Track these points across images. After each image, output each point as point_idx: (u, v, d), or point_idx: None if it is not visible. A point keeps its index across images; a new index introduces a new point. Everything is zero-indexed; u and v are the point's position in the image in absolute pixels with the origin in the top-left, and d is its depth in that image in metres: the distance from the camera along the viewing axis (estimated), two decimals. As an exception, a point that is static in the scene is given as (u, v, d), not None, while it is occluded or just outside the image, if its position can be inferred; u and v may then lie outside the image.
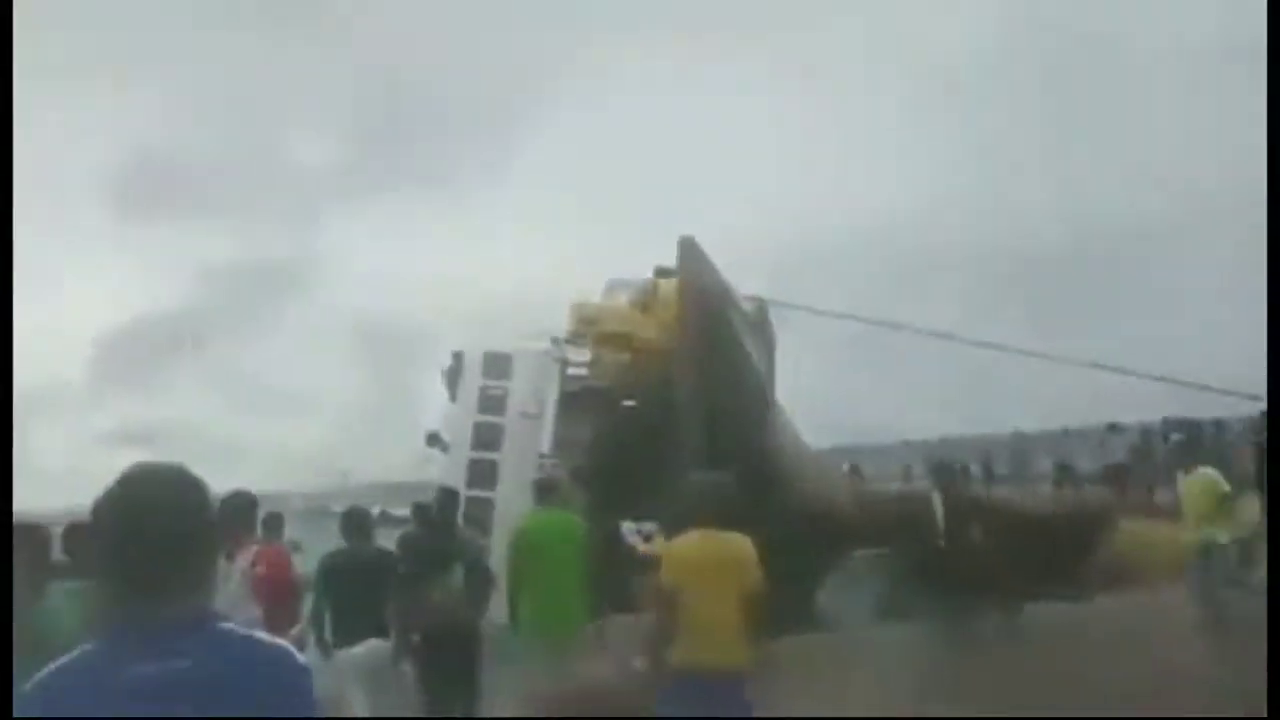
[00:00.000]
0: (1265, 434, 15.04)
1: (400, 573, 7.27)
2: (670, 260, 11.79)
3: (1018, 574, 9.87)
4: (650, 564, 8.64)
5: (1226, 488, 9.26)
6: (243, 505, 5.82)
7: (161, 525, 1.68)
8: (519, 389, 12.23)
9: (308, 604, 6.58)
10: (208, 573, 1.85)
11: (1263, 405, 13.30)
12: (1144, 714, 6.58)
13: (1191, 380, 10.68)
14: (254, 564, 5.69)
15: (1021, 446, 25.71)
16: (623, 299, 13.09)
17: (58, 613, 6.55)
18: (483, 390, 12.29)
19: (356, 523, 6.95)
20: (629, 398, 12.87)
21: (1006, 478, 24.82)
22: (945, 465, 11.53)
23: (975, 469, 26.84)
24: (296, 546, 7.85)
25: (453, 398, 12.62)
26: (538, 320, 13.53)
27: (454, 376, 12.60)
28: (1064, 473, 20.47)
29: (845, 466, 23.96)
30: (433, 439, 12.62)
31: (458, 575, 6.86)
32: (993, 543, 9.67)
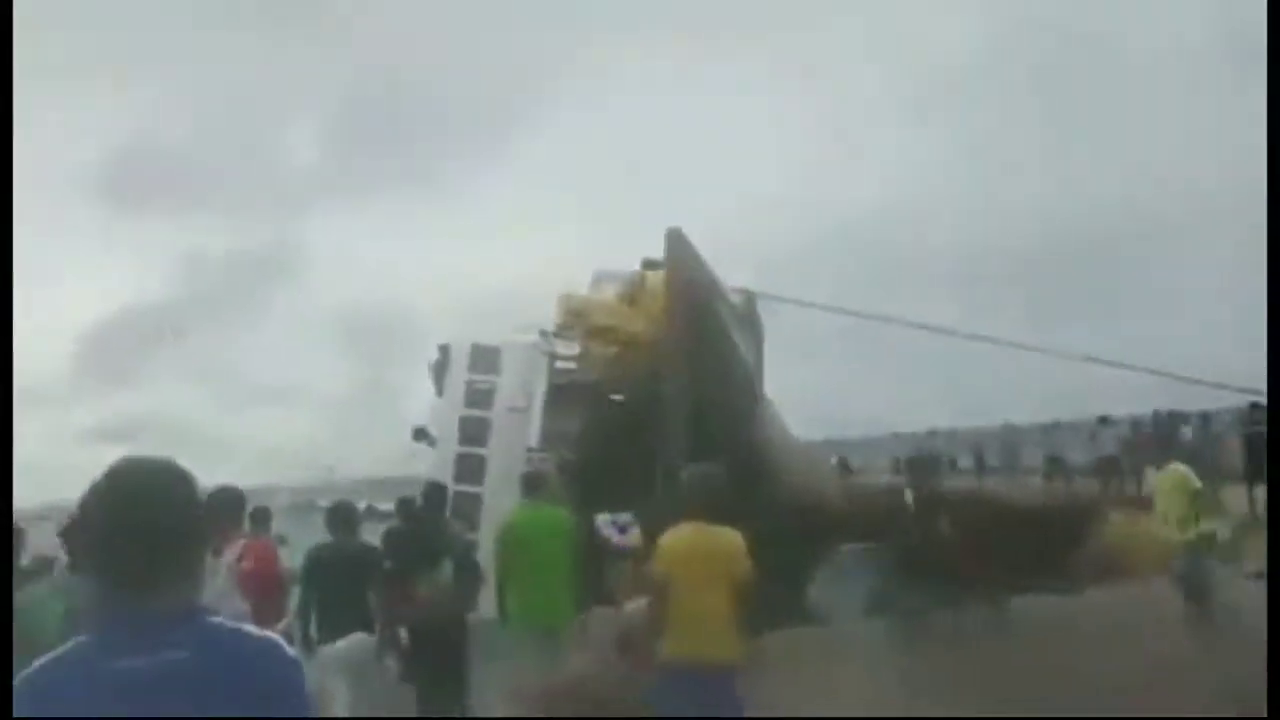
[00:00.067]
0: (1254, 426, 15.21)
1: (387, 567, 7.27)
2: (658, 253, 11.77)
3: (1000, 567, 9.92)
4: (626, 555, 8.69)
5: (1198, 484, 9.28)
6: (229, 500, 5.79)
7: (150, 519, 1.68)
8: (506, 383, 12.18)
9: (294, 598, 6.56)
10: (197, 566, 1.85)
11: (1251, 398, 13.42)
12: (1134, 706, 6.62)
13: (1183, 372, 10.72)
14: (241, 559, 5.67)
15: (1012, 439, 25.79)
16: (610, 291, 13.05)
17: (38, 610, 6.53)
18: (470, 384, 12.23)
19: (343, 517, 6.95)
20: (617, 391, 12.85)
21: (998, 470, 24.96)
22: (917, 459, 11.75)
23: (967, 461, 27.08)
24: (283, 541, 7.83)
25: (439, 392, 12.56)
26: (525, 313, 13.49)
27: (440, 370, 12.55)
28: (1054, 465, 20.61)
29: (834, 459, 24.06)
30: (419, 433, 12.56)
31: (446, 570, 6.86)
32: (969, 536, 9.76)
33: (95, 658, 1.63)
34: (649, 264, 12.23)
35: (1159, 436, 13.61)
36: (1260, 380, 8.02)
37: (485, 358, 12.32)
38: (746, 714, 4.94)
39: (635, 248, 12.73)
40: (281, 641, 1.83)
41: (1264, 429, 14.96)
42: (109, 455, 1.77)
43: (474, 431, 11.93)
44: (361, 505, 9.03)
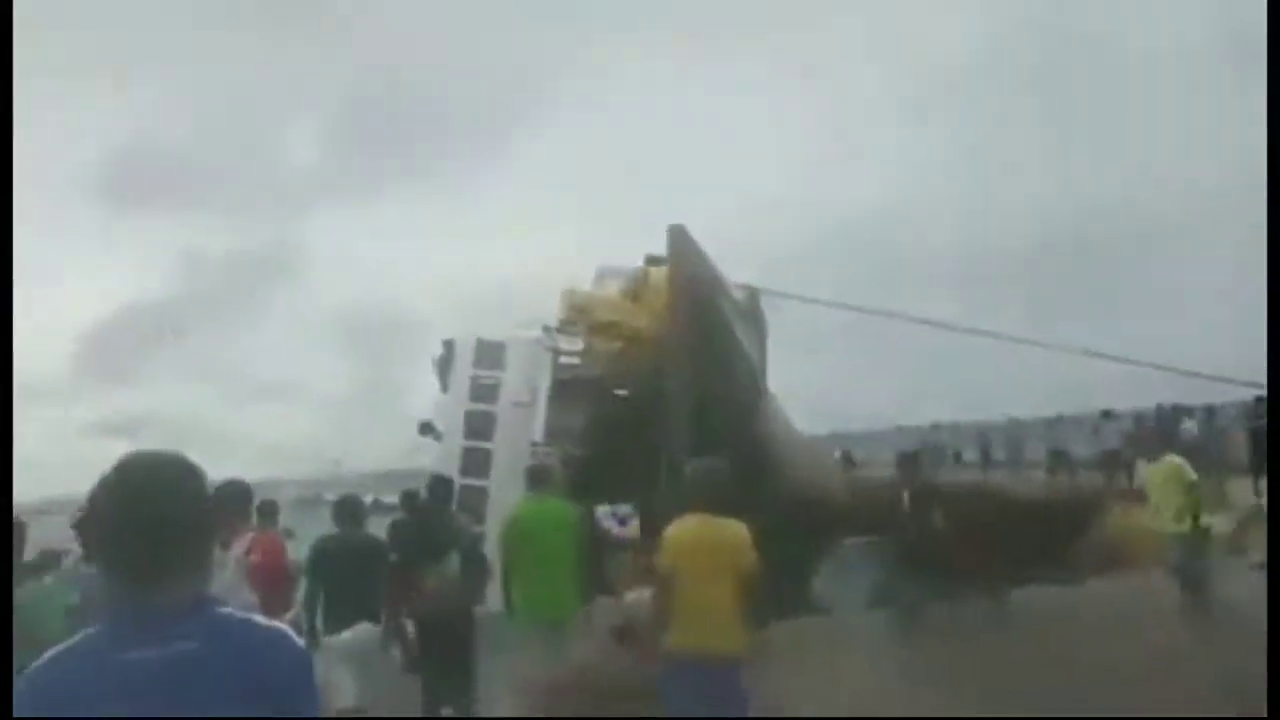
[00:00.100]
0: (1259, 420, 15.20)
1: (393, 559, 7.32)
2: (661, 250, 11.77)
3: (999, 558, 9.97)
4: (626, 547, 8.74)
5: (1194, 476, 9.28)
6: (237, 493, 5.84)
7: (159, 511, 1.70)
8: (511, 378, 12.23)
9: (301, 590, 6.62)
10: (206, 558, 1.88)
11: (1256, 392, 13.40)
12: (1133, 696, 6.64)
13: (1185, 367, 10.71)
14: (249, 552, 5.71)
15: (1015, 433, 25.76)
16: (613, 287, 13.06)
17: (42, 605, 6.58)
18: (474, 379, 12.28)
19: (349, 509, 7.02)
20: (621, 386, 12.87)
21: (1002, 463, 24.96)
22: (907, 455, 11.87)
23: (971, 455, 27.08)
24: (290, 534, 7.88)
25: (444, 387, 12.61)
26: (529, 309, 13.53)
27: (445, 365, 12.59)
28: (1058, 459, 20.59)
29: (837, 453, 24.07)
30: (425, 428, 12.62)
31: (453, 562, 6.90)
32: (964, 529, 9.83)
33: (105, 649, 1.65)
34: (652, 260, 12.23)
35: (1160, 430, 13.58)
36: (1263, 374, 8.02)
37: (490, 353, 12.37)
38: (751, 705, 4.97)
39: (638, 244, 12.75)
40: (290, 632, 1.85)
41: (1266, 422, 14.99)
42: (112, 451, 1.81)
43: (479, 426, 11.99)
44: (368, 499, 9.08)
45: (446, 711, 6.94)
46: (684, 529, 5.08)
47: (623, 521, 8.72)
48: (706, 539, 5.00)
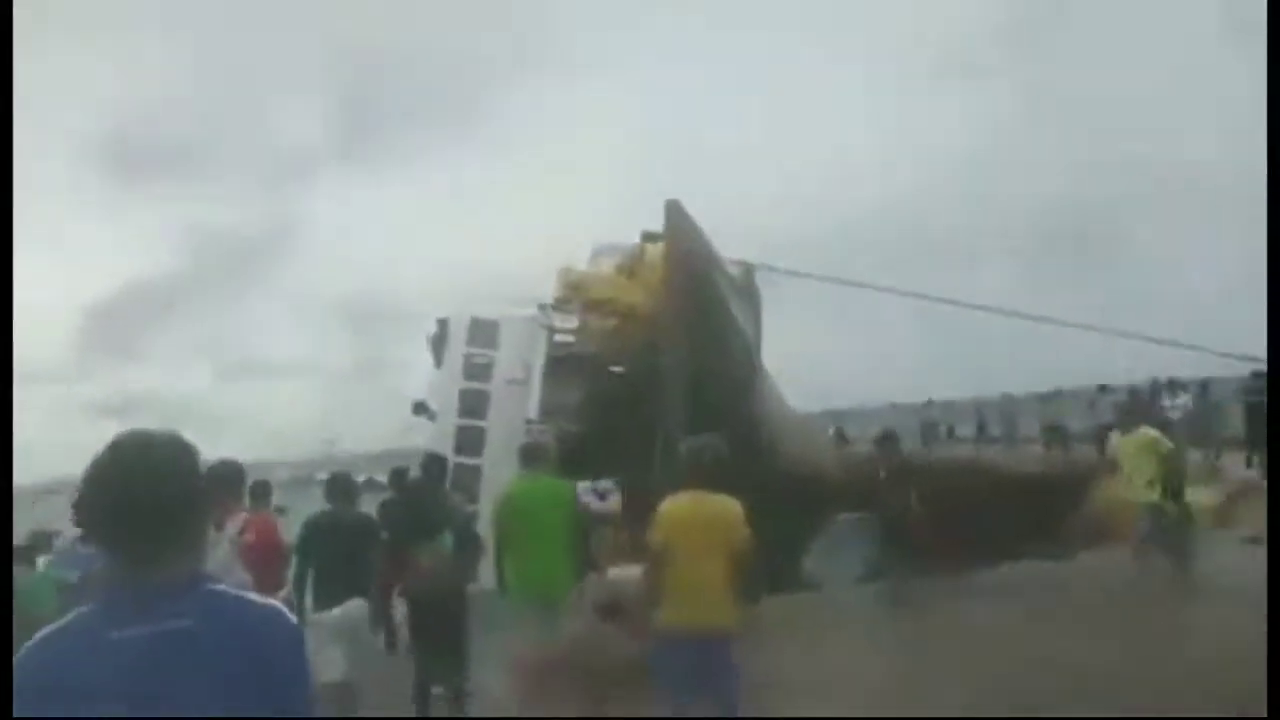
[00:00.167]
0: (1254, 395, 15.27)
1: (385, 537, 7.34)
2: (657, 226, 11.74)
3: (977, 535, 10.08)
4: (608, 521, 8.78)
5: (1169, 446, 9.28)
6: (230, 474, 5.83)
7: (154, 490, 1.70)
8: (505, 356, 12.20)
9: (292, 566, 6.63)
10: (200, 536, 1.88)
11: (1252, 366, 13.46)
12: (1123, 670, 6.69)
13: (1182, 341, 10.74)
14: (242, 532, 5.71)
15: (1011, 408, 25.86)
16: (609, 264, 13.04)
17: (36, 589, 6.60)
18: (468, 357, 12.26)
19: (341, 487, 7.04)
20: (616, 363, 12.87)
21: (999, 439, 25.08)
22: (884, 434, 12.02)
23: (966, 430, 27.18)
24: (282, 511, 7.89)
25: (438, 365, 12.59)
26: (523, 287, 13.51)
27: (439, 344, 12.56)
28: (1053, 433, 20.64)
29: (831, 430, 24.13)
30: (419, 407, 12.60)
31: (447, 541, 6.91)
32: (941, 506, 9.96)
33: (98, 627, 1.66)
34: (648, 236, 12.21)
35: (1135, 404, 13.59)
36: (1261, 349, 8.02)
37: (484, 331, 12.34)
38: (741, 679, 5.00)
39: (634, 222, 12.71)
40: (284, 609, 1.86)
41: (1264, 398, 15.07)
42: (110, 431, 1.80)
43: (473, 404, 11.98)
44: (361, 478, 9.10)
45: (438, 690, 6.98)
46: (677, 505, 5.08)
47: (602, 496, 8.76)
48: (700, 515, 5.01)
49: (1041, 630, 7.94)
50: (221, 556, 4.60)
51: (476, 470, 11.22)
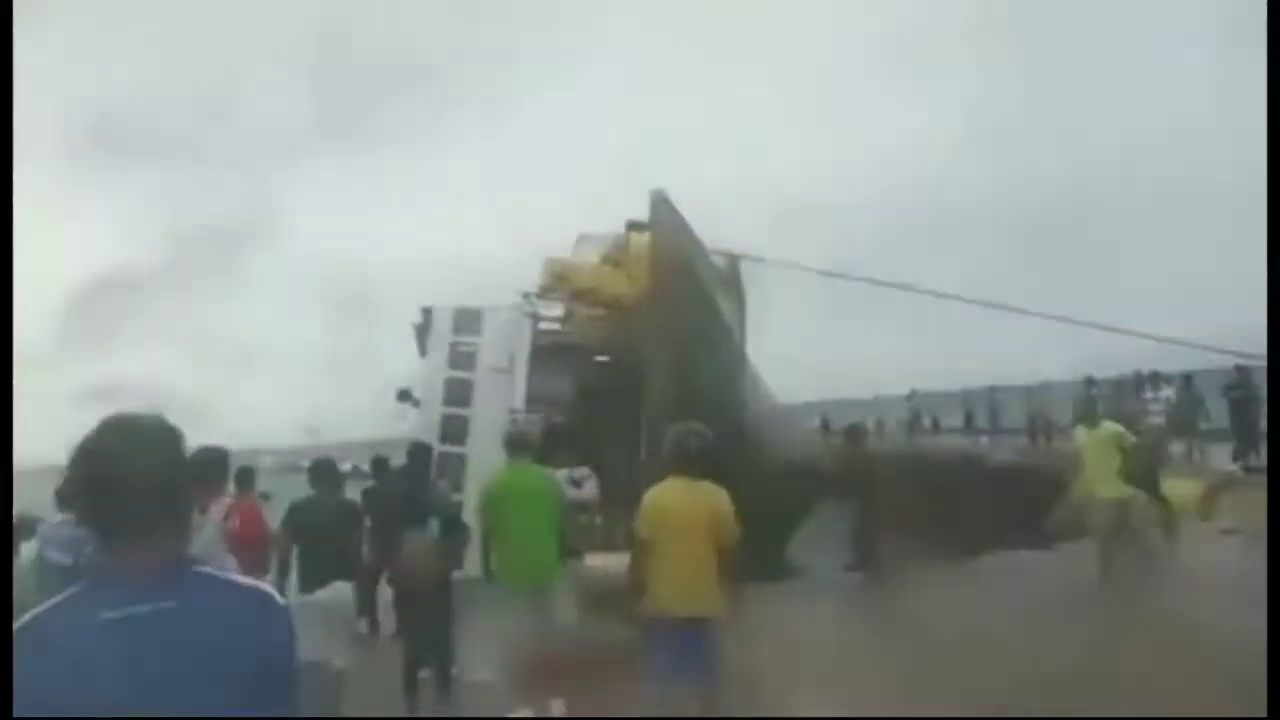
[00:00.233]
0: (1237, 390, 15.42)
1: (370, 524, 7.35)
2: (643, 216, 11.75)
3: (935, 525, 10.20)
4: (585, 509, 8.82)
5: (1132, 439, 9.35)
6: (215, 460, 5.80)
7: (141, 471, 1.70)
8: (490, 344, 12.21)
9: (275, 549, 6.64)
10: (186, 518, 1.88)
11: (1235, 360, 13.57)
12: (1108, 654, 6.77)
13: (1168, 334, 10.79)
14: (227, 518, 5.70)
15: (997, 401, 25.98)
16: (593, 254, 13.05)
17: (22, 579, 6.56)
18: (453, 346, 12.27)
19: (325, 472, 7.06)
20: (601, 352, 12.89)
21: (985, 430, 25.24)
22: (851, 427, 12.34)
23: (953, 421, 27.34)
24: (266, 497, 7.88)
25: (423, 354, 12.59)
26: (511, 276, 13.48)
27: (424, 332, 12.57)
28: (1037, 425, 20.81)
29: (817, 420, 24.22)
30: (404, 395, 12.61)
31: (433, 528, 6.92)
32: (904, 497, 10.11)
33: (88, 607, 1.66)
34: (633, 226, 12.22)
35: (1090, 397, 13.69)
36: (1244, 343, 8.08)
37: (468, 320, 12.35)
38: (721, 657, 5.06)
39: (619, 211, 12.71)
40: (272, 591, 1.87)
41: (1245, 392, 15.21)
42: (92, 417, 1.80)
43: (458, 393, 11.99)
44: (346, 466, 9.10)
45: (425, 674, 7.00)
46: (664, 493, 5.10)
47: (578, 484, 8.78)
48: (686, 503, 5.03)
49: (1009, 620, 8.04)
50: (207, 541, 4.58)
51: (461, 458, 11.23)
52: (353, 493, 8.67)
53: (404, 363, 13.52)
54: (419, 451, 7.97)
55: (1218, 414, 16.74)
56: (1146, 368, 18.32)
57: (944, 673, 6.71)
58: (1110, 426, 9.38)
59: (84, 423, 1.78)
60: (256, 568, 5.82)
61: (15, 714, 1.58)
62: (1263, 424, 15.11)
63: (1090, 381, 19.60)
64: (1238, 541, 9.70)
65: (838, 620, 9.02)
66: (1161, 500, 10.51)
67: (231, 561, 4.81)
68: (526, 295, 12.55)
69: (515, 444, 7.00)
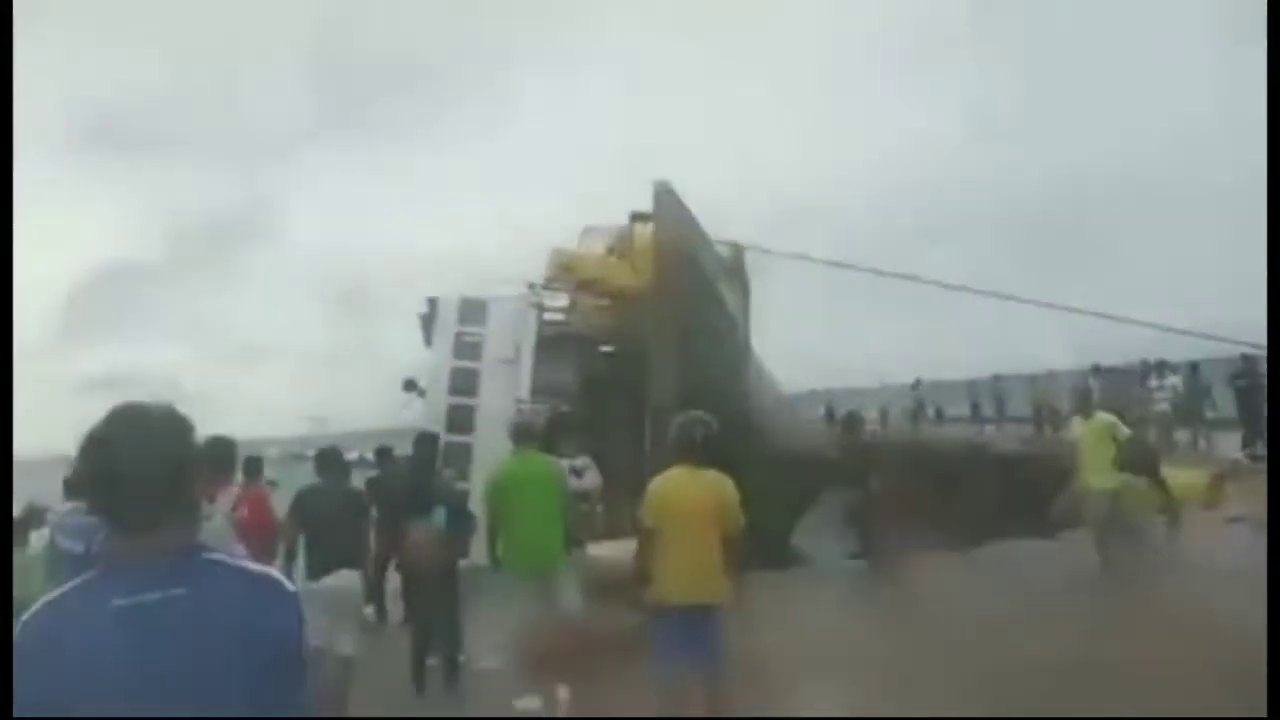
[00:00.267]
0: (1244, 379, 15.39)
1: (376, 516, 7.38)
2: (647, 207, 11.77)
3: (953, 513, 10.22)
4: (586, 498, 8.86)
5: (1127, 432, 9.33)
6: (222, 449, 5.84)
7: (152, 458, 1.72)
8: (495, 335, 12.23)
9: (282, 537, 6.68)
10: (196, 506, 1.90)
11: (1240, 349, 13.57)
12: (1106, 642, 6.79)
13: (1174, 323, 10.78)
14: (235, 507, 5.73)
15: (1001, 389, 25.90)
16: (599, 245, 13.08)
17: (27, 571, 6.61)
18: (459, 336, 12.29)
19: (331, 460, 7.12)
20: (606, 343, 12.93)
21: (990, 419, 25.17)
22: (847, 416, 12.27)
23: (957, 410, 27.28)
24: (273, 484, 7.93)
25: (428, 344, 12.62)
26: (516, 266, 13.52)
27: (430, 323, 12.60)
28: (1043, 414, 20.72)
29: (821, 410, 24.22)
30: (410, 385, 12.65)
31: (440, 516, 6.97)
32: (900, 487, 10.20)
33: (99, 594, 1.67)
34: (637, 217, 12.24)
35: (1085, 387, 13.64)
36: (1250, 332, 8.07)
37: (473, 310, 12.37)
38: (730, 641, 5.09)
39: (624, 203, 12.74)
40: (281, 576, 1.89)
41: (1252, 380, 15.18)
42: (97, 408, 1.81)
43: (463, 383, 12.02)
44: (353, 455, 9.15)
45: (432, 661, 7.05)
46: (669, 482, 5.12)
47: (579, 474, 8.82)
48: (692, 493, 5.04)
49: (1010, 608, 8.07)
50: (216, 529, 4.61)
51: (467, 448, 11.27)
52: (359, 482, 8.72)
53: (411, 353, 13.57)
54: (425, 441, 8.00)
55: (1224, 403, 16.71)
56: (1153, 357, 18.27)
57: (944, 660, 6.74)
58: (1103, 417, 9.38)
59: (90, 412, 1.80)
60: (265, 556, 5.86)
61: (29, 702, 1.59)
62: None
63: (1097, 370, 19.56)
64: (1242, 530, 9.71)
65: (840, 608, 9.05)
66: (1162, 487, 10.51)
67: (241, 550, 4.85)
68: (532, 286, 12.58)
69: (521, 433, 7.03)
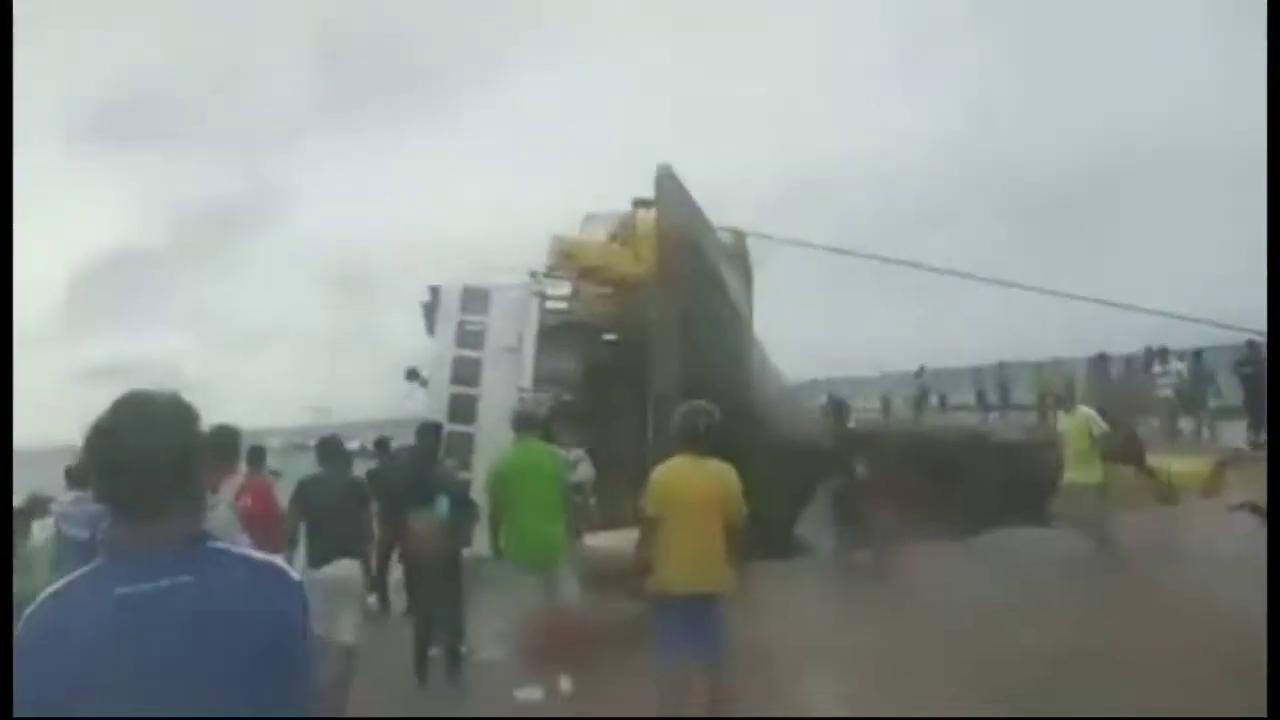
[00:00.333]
0: (1248, 366, 15.37)
1: (381, 503, 7.38)
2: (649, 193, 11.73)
3: (921, 503, 10.25)
4: (580, 489, 8.88)
5: (1103, 427, 9.35)
6: (226, 438, 5.85)
7: (157, 446, 1.73)
8: (497, 323, 12.21)
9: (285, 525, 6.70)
10: (201, 495, 1.91)
11: (1246, 336, 13.55)
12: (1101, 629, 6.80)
13: (1178, 310, 10.77)
14: (239, 496, 5.74)
15: (1006, 377, 25.88)
16: (601, 232, 13.03)
17: (29, 564, 6.62)
18: (461, 325, 12.27)
19: (332, 449, 7.12)
20: (609, 331, 12.91)
21: (996, 407, 25.15)
22: (836, 401, 12.37)
23: (960, 398, 27.26)
24: (276, 474, 7.95)
25: (431, 332, 12.61)
26: (518, 254, 13.49)
27: (432, 312, 12.57)
28: (1047, 402, 20.69)
29: (823, 398, 24.21)
30: (412, 374, 12.63)
31: (443, 506, 6.97)
32: (890, 475, 10.25)
33: (105, 582, 1.67)
34: (639, 203, 12.21)
35: (1067, 378, 13.61)
36: (1256, 319, 8.05)
37: (476, 299, 12.34)
38: (727, 630, 5.10)
39: (626, 189, 12.70)
40: (286, 565, 1.89)
41: (1257, 368, 15.15)
42: (100, 397, 1.82)
43: (466, 372, 12.00)
44: (355, 444, 9.17)
45: (435, 651, 7.07)
46: (672, 471, 5.11)
47: (571, 466, 8.85)
48: (694, 482, 5.04)
49: (1006, 596, 8.09)
50: (221, 518, 4.61)
51: (470, 437, 11.27)
52: (362, 472, 8.73)
53: (413, 342, 13.55)
54: (428, 430, 8.01)
55: (1229, 390, 16.68)
56: (1156, 344, 18.24)
57: (943, 649, 6.76)
58: (1083, 411, 9.43)
59: (93, 401, 1.80)
60: (269, 545, 5.87)
61: (39, 695, 1.59)
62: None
63: (1102, 357, 19.54)
64: (1243, 518, 9.71)
65: (841, 596, 9.07)
66: (1150, 475, 10.56)
67: (245, 539, 4.86)
68: (534, 274, 12.55)
69: (523, 423, 7.03)
